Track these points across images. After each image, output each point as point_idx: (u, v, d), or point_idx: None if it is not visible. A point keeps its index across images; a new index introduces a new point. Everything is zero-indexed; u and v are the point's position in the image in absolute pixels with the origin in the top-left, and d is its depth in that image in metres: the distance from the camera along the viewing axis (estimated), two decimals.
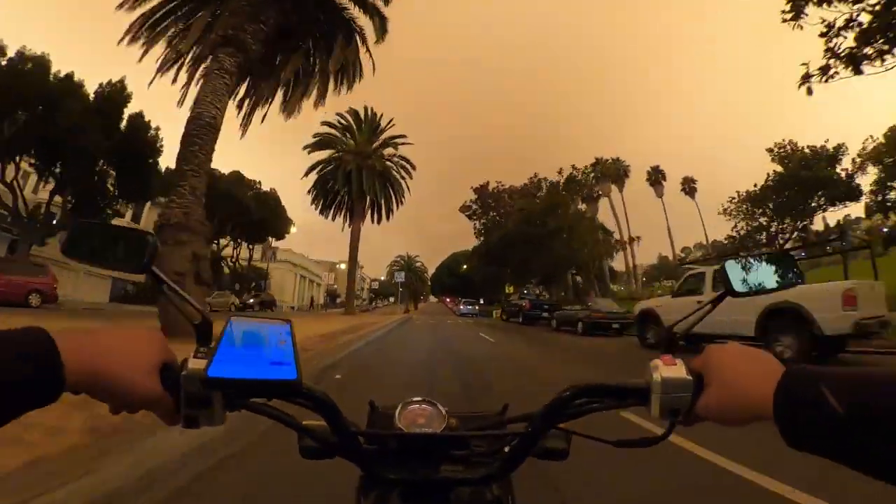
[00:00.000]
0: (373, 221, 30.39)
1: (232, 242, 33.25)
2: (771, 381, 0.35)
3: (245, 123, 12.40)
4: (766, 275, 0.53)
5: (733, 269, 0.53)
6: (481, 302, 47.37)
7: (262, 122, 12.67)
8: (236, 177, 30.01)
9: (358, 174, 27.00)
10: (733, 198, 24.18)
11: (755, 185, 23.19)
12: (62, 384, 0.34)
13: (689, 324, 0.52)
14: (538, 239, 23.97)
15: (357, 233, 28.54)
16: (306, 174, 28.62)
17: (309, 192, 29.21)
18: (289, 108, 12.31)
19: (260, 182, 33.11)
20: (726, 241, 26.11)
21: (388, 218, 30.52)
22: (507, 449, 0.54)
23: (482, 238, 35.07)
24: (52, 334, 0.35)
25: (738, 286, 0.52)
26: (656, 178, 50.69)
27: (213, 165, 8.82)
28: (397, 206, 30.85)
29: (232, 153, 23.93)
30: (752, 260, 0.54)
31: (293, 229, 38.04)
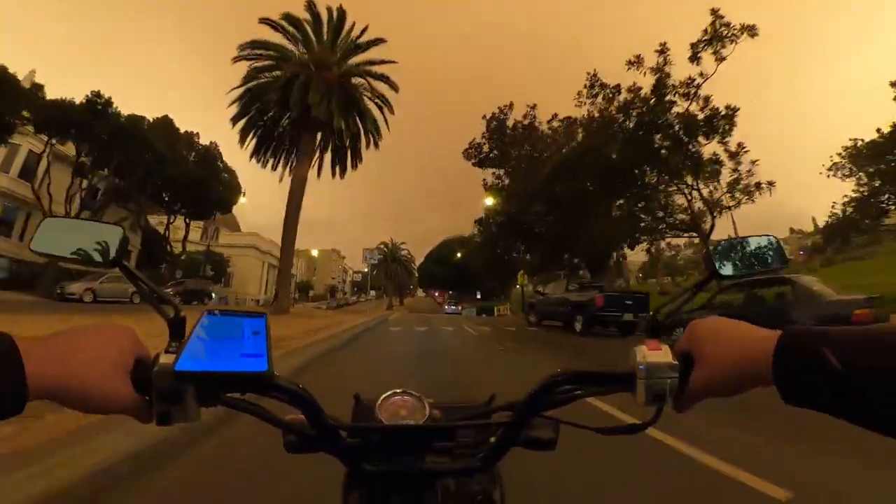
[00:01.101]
0: (334, 171, 20.11)
1: (169, 217, 27.51)
2: (768, 343, 0.36)
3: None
4: (751, 258, 0.53)
5: (718, 253, 0.52)
6: (478, 296, 41.76)
7: None
8: (164, 121, 23.02)
9: (303, 89, 16.59)
10: (851, 147, 18.45)
11: (879, 132, 16.98)
12: (25, 394, 0.33)
13: (673, 307, 0.51)
14: (622, 186, 15.70)
15: (301, 182, 18.29)
16: (232, 91, 18.48)
17: (234, 120, 18.49)
18: None
19: (198, 133, 26.34)
20: (842, 210, 20.01)
21: (354, 166, 20.26)
22: (493, 439, 0.55)
23: (502, 193, 23.39)
24: (14, 340, 0.33)
25: (723, 269, 0.52)
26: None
27: None
28: (368, 146, 20.21)
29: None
30: (736, 242, 0.54)
31: (242, 199, 31.06)
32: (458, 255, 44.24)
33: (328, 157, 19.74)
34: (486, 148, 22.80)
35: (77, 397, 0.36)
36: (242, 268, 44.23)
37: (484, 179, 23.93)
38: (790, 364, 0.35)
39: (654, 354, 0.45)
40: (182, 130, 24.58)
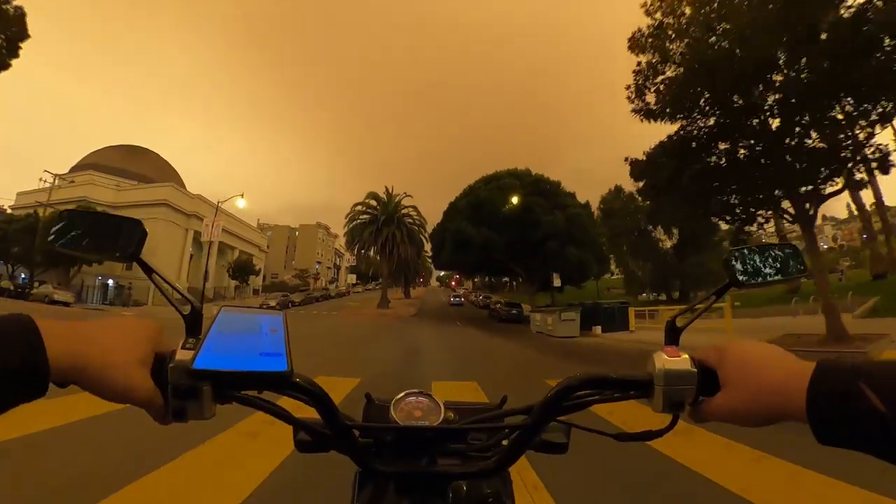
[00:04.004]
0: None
1: None
2: (802, 377, 0.35)
3: None
4: (770, 265, 0.53)
5: (737, 259, 0.53)
6: (557, 285, 24.92)
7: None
8: None
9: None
10: None
11: None
12: (47, 376, 0.33)
13: (692, 315, 0.52)
14: None
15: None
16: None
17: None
18: None
19: None
20: None
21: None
22: (505, 442, 0.56)
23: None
24: (34, 321, 0.34)
25: (742, 276, 0.52)
26: None
27: None
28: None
29: None
30: (755, 250, 0.54)
31: (240, 199, 27.38)
32: (515, 199, 24.40)
33: None
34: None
35: (96, 383, 0.37)
36: (150, 236, 38.36)
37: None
38: (825, 403, 0.33)
39: (674, 362, 0.45)
40: None
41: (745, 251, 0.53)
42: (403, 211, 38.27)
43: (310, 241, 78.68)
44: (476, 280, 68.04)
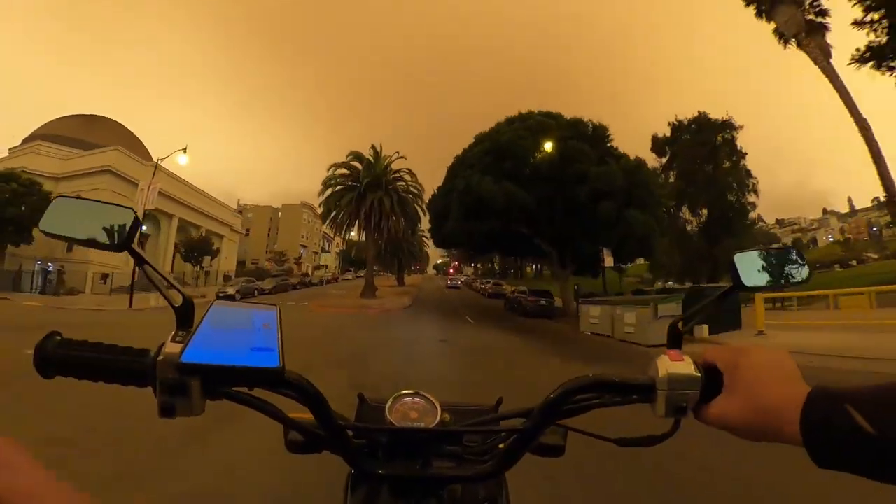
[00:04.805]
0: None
1: None
2: (796, 403, 0.36)
3: None
4: (774, 269, 0.54)
5: (742, 263, 0.54)
6: (609, 265, 19.33)
7: None
8: None
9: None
10: None
11: None
12: None
13: (696, 318, 0.52)
14: None
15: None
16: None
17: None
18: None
19: None
20: None
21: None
22: (501, 445, 0.55)
23: None
24: None
25: (746, 280, 0.53)
26: None
27: None
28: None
29: None
30: (761, 253, 0.55)
31: (182, 154, 21.96)
32: (549, 145, 17.46)
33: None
34: None
35: None
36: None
37: None
38: (818, 428, 0.35)
39: (677, 366, 0.45)
40: None
41: (751, 254, 0.53)
42: (394, 174, 29.06)
43: (294, 222, 71.04)
44: (478, 266, 61.09)
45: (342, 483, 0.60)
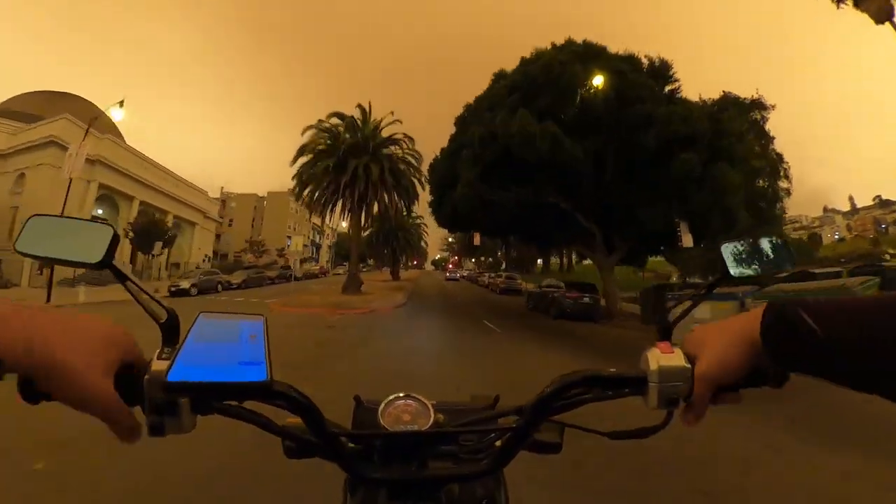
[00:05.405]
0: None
1: None
2: (756, 318, 0.41)
3: None
4: (760, 258, 0.55)
5: (728, 253, 0.54)
6: (688, 245, 12.55)
7: None
8: None
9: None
10: None
11: None
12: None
13: (684, 310, 0.54)
14: None
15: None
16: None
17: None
18: None
19: None
20: None
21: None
22: (497, 443, 0.56)
23: None
24: None
25: (733, 270, 0.54)
26: None
27: None
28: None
29: None
30: (747, 243, 0.56)
31: (118, 108, 18.01)
32: (599, 79, 11.56)
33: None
34: None
35: (47, 375, 0.33)
36: (35, 189, 23.79)
37: None
38: (774, 330, 0.39)
39: (668, 358, 0.46)
40: None
41: (738, 244, 0.54)
42: (388, 135, 21.91)
43: (280, 212, 64.04)
44: (481, 259, 55.68)
45: (340, 486, 0.60)
